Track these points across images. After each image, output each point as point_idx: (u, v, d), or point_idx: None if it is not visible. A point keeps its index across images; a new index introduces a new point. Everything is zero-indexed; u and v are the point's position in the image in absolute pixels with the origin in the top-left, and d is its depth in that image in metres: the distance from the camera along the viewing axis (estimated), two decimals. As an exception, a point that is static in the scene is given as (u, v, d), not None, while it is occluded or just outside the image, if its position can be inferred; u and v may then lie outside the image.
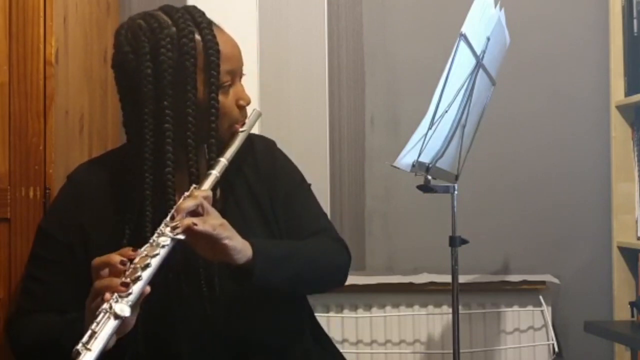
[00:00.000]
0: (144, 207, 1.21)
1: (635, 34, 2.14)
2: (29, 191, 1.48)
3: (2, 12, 1.50)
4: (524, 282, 2.14)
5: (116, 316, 1.01)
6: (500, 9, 1.55)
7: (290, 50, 2.17)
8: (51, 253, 1.28)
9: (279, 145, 1.46)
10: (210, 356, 1.26)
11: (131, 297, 1.03)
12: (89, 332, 0.99)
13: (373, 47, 2.23)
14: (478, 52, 1.45)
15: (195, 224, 1.12)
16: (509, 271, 2.20)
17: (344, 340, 2.10)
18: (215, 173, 1.23)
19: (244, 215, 1.32)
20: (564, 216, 2.23)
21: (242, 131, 1.30)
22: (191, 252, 1.19)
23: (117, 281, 1.04)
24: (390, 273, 2.18)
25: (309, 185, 1.46)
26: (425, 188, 1.44)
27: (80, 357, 0.97)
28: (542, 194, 2.23)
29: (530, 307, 2.14)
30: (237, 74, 1.30)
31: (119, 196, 1.27)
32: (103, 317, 1.00)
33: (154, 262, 1.07)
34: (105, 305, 1.01)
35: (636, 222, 2.16)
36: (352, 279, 2.11)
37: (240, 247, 1.17)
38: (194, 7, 1.28)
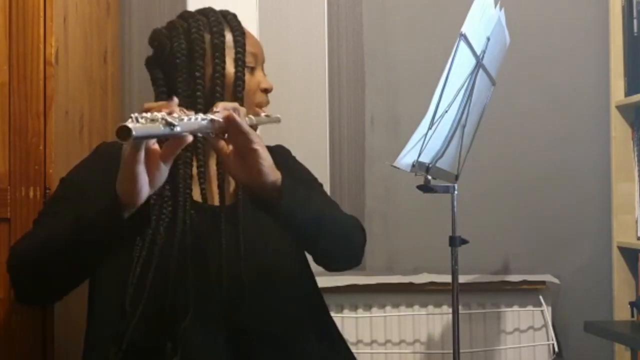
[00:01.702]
0: (177, 169, 1.25)
1: (635, 34, 2.14)
2: (29, 191, 1.48)
3: (2, 12, 1.50)
4: (524, 282, 2.14)
5: (167, 123, 1.00)
6: (500, 9, 1.55)
7: (290, 50, 2.17)
8: (68, 194, 1.29)
9: (276, 141, 1.51)
10: (212, 344, 1.26)
11: (177, 123, 1.02)
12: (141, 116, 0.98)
13: (373, 47, 2.23)
14: (478, 52, 1.45)
15: (236, 116, 1.15)
16: (509, 271, 2.20)
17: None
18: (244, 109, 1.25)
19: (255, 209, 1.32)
20: (564, 216, 2.23)
21: (265, 115, 1.37)
22: (199, 235, 1.24)
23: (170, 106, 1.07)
24: (390, 273, 2.18)
25: (322, 185, 1.53)
26: (425, 188, 1.44)
27: (130, 120, 0.95)
28: (542, 194, 2.23)
29: (530, 307, 2.14)
30: (259, 60, 1.42)
31: None
32: (152, 118, 0.99)
33: (194, 119, 1.08)
34: (156, 114, 1.01)
35: (636, 222, 2.16)
36: (352, 279, 2.13)
37: (269, 161, 1.19)
38: (221, 10, 1.43)
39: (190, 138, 1.07)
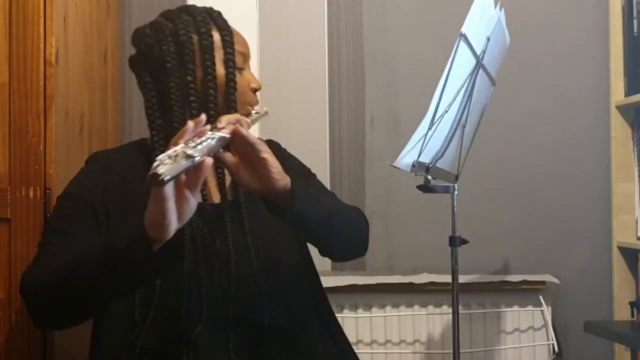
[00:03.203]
0: None
1: (635, 34, 2.14)
2: (29, 191, 1.48)
3: (2, 12, 1.50)
4: (524, 282, 2.14)
5: (187, 156, 1.02)
6: (500, 9, 1.55)
7: (290, 50, 2.17)
8: (74, 210, 1.28)
9: (277, 141, 1.50)
10: (221, 337, 1.26)
11: (197, 147, 1.05)
12: (163, 157, 1.01)
13: (373, 47, 2.23)
14: (478, 52, 1.45)
15: (241, 129, 1.16)
16: (509, 271, 2.20)
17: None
18: (247, 119, 1.26)
19: (256, 203, 1.32)
20: (564, 216, 2.23)
21: (255, 113, 1.36)
22: (209, 229, 1.25)
23: (187, 135, 1.10)
24: (390, 273, 2.18)
25: (315, 175, 1.52)
26: (425, 188, 1.44)
27: (156, 166, 0.98)
28: (542, 194, 2.23)
29: (530, 307, 2.14)
30: (247, 59, 1.39)
31: (140, 172, 1.28)
32: (173, 153, 1.02)
33: (208, 143, 1.09)
34: (176, 148, 1.04)
35: (636, 222, 2.16)
36: (352, 279, 2.13)
37: (278, 167, 1.20)
38: (204, 6, 1.40)
39: (210, 161, 1.07)
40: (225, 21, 1.36)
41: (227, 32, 1.34)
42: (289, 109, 2.15)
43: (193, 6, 1.38)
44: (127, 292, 1.19)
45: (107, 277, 1.09)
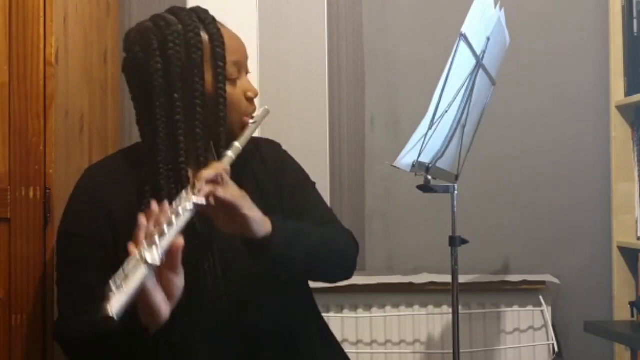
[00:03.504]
0: (160, 198, 1.21)
1: (635, 34, 2.14)
2: (29, 191, 1.48)
3: (2, 12, 1.50)
4: (524, 282, 2.14)
5: (145, 261, 1.01)
6: (500, 9, 1.55)
7: (290, 50, 2.17)
8: (81, 251, 1.27)
9: (279, 143, 1.49)
10: (218, 342, 1.26)
11: (158, 245, 1.04)
12: (120, 273, 1.01)
13: (373, 47, 2.23)
14: (478, 52, 1.45)
15: (218, 191, 1.15)
16: (509, 271, 2.20)
17: (343, 340, 2.10)
18: (230, 154, 1.25)
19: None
20: (564, 216, 2.23)
21: (252, 122, 1.33)
22: (204, 234, 1.23)
23: (142, 235, 1.08)
24: (390, 273, 2.18)
25: (314, 183, 1.48)
26: (425, 188, 1.44)
27: (110, 297, 0.97)
28: (542, 194, 2.23)
29: (530, 307, 2.14)
30: (243, 67, 1.34)
31: (134, 189, 1.27)
32: (133, 263, 1.02)
33: (177, 222, 1.09)
34: (135, 254, 1.03)
35: (636, 222, 2.16)
36: (352, 279, 2.11)
37: (259, 219, 1.19)
38: (199, 7, 1.34)
39: (181, 241, 1.07)
40: (217, 29, 1.29)
41: (219, 43, 1.27)
42: (289, 109, 2.15)
43: (185, 11, 1.32)
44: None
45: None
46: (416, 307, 2.14)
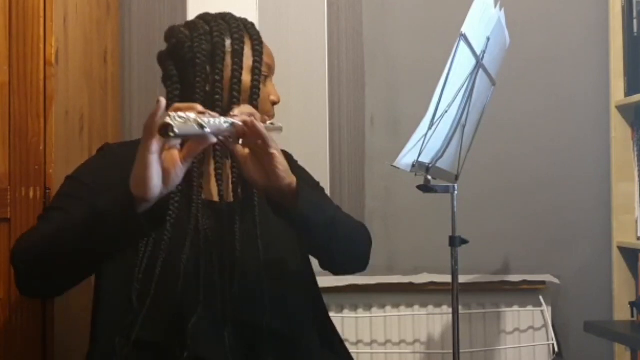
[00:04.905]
0: (191, 167, 1.22)
1: (635, 34, 2.14)
2: (29, 191, 1.48)
3: (2, 12, 1.50)
4: (524, 282, 2.14)
5: (199, 124, 1.04)
6: (500, 9, 1.55)
7: (290, 50, 2.17)
8: (77, 192, 1.28)
9: (279, 146, 1.48)
10: (219, 338, 1.27)
11: (209, 122, 1.07)
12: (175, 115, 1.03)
13: (373, 47, 2.23)
14: (478, 52, 1.45)
15: (254, 120, 1.18)
16: (509, 271, 2.20)
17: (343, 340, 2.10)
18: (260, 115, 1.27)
19: (264, 208, 1.33)
20: (564, 216, 2.23)
21: (270, 123, 1.36)
22: (219, 226, 1.26)
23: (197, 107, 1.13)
24: (390, 273, 2.18)
25: (324, 189, 1.55)
26: (425, 188, 1.44)
27: (170, 118, 1.00)
28: (542, 194, 2.23)
29: (530, 307, 2.14)
30: (272, 71, 1.44)
31: None
32: (187, 117, 1.04)
33: (217, 121, 1.12)
34: (189, 114, 1.05)
35: (636, 222, 2.16)
36: (352, 279, 2.13)
37: (285, 165, 1.21)
38: (240, 17, 1.45)
39: (214, 140, 1.10)
40: (257, 32, 1.40)
41: (258, 42, 1.38)
42: (289, 109, 2.15)
43: (230, 14, 1.42)
44: (110, 254, 1.19)
45: (90, 237, 1.11)
46: (416, 307, 2.14)
